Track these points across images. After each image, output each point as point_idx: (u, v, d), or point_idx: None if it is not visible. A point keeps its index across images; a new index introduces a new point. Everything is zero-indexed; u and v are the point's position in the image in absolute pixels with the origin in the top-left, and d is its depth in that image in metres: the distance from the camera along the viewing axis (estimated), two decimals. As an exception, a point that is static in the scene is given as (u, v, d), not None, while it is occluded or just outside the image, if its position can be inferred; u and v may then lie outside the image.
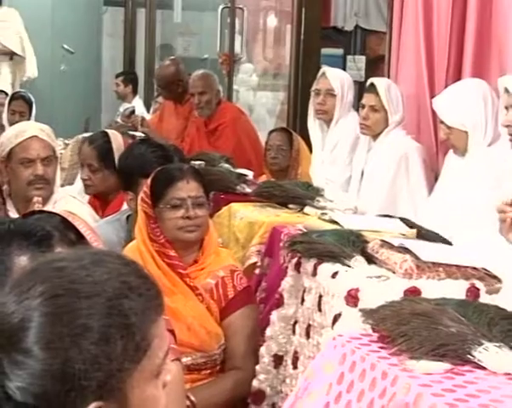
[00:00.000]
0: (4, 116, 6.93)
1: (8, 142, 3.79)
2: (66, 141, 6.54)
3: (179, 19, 9.98)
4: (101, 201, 4.43)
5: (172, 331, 2.75)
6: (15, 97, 7.28)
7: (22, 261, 1.82)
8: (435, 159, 4.40)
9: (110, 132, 4.68)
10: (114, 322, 1.32)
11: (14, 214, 3.58)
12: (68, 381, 1.28)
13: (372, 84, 4.52)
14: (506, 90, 3.34)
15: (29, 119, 6.88)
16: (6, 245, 1.88)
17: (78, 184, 4.88)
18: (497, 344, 2.10)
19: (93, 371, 1.29)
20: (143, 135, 5.74)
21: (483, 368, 2.05)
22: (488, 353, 2.07)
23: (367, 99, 4.46)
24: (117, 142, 4.45)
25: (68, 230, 2.24)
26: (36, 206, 3.46)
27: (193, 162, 4.32)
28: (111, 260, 1.39)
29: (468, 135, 3.73)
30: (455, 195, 3.74)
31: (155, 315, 1.37)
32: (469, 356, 2.08)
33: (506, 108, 3.32)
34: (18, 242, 1.90)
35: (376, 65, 7.14)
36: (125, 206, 3.92)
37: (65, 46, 10.09)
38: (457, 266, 2.85)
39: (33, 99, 7.27)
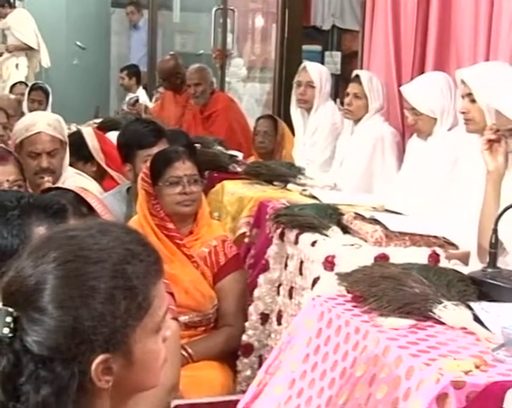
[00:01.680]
0: (24, 104, 6.89)
1: (19, 133, 3.77)
2: (79, 126, 6.52)
3: (177, 19, 9.98)
4: None
5: (171, 294, 2.75)
6: (34, 88, 7.23)
7: (40, 231, 1.81)
8: (402, 142, 4.40)
9: (84, 129, 4.73)
10: (118, 284, 1.32)
11: (29, 190, 3.57)
12: (78, 335, 1.28)
13: (356, 75, 4.54)
14: (462, 81, 3.34)
15: (46, 107, 6.86)
16: (26, 216, 1.88)
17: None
18: (455, 303, 2.11)
19: (101, 327, 1.29)
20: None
21: (442, 323, 2.06)
22: (447, 310, 2.08)
23: (352, 88, 4.48)
24: (91, 137, 4.48)
25: (81, 204, 2.25)
26: (47, 184, 3.45)
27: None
28: (116, 230, 1.39)
29: (435, 121, 3.73)
30: (418, 173, 3.74)
31: (155, 278, 1.37)
32: (430, 313, 2.08)
33: (462, 97, 3.32)
34: (36, 214, 1.89)
35: (350, 60, 7.13)
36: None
37: (78, 43, 10.13)
38: (420, 235, 2.86)
39: (50, 90, 7.24)
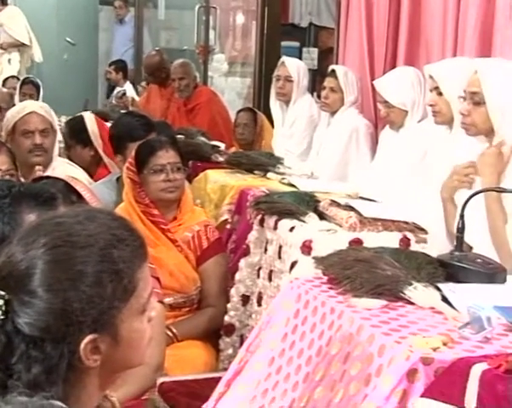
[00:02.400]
0: (16, 97, 6.84)
1: (11, 118, 3.82)
2: (70, 118, 6.50)
3: (162, 17, 9.94)
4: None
5: (157, 278, 2.75)
6: (25, 82, 7.19)
7: (31, 218, 1.80)
8: (375, 133, 4.41)
9: (86, 115, 4.66)
10: (105, 268, 1.31)
11: (21, 179, 3.56)
12: (67, 317, 1.28)
13: (332, 70, 4.54)
14: (430, 76, 3.35)
15: (37, 100, 6.79)
16: (17, 204, 1.87)
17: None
18: (424, 284, 2.12)
19: (88, 308, 1.29)
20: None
21: (412, 304, 2.06)
22: (417, 291, 2.08)
23: (328, 82, 4.49)
24: (91, 122, 4.47)
25: (70, 193, 2.23)
26: (38, 173, 3.45)
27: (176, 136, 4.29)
28: (103, 216, 1.38)
29: (406, 113, 3.74)
30: (391, 163, 3.75)
31: (140, 262, 1.37)
32: (401, 294, 2.09)
33: (430, 90, 3.33)
34: (27, 202, 1.88)
35: (326, 56, 7.11)
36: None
37: (68, 39, 10.10)
38: (392, 221, 2.87)
39: (41, 84, 7.20)
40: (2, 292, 1.28)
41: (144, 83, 7.67)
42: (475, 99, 2.75)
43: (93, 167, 4.27)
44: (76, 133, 4.39)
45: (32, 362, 1.26)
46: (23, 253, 1.31)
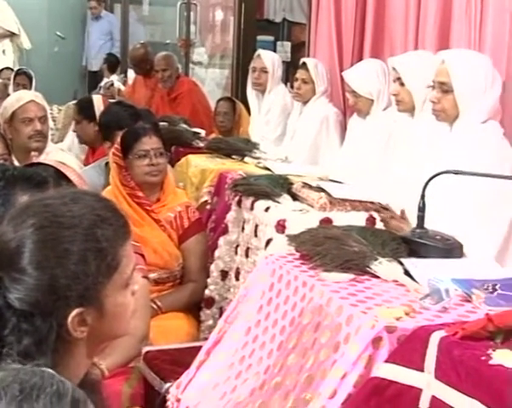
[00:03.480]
0: (10, 87, 6.77)
1: (10, 106, 3.80)
2: (60, 107, 6.49)
3: (146, 12, 9.89)
4: (91, 149, 4.44)
5: (142, 255, 2.74)
6: (19, 73, 7.10)
7: (24, 200, 1.78)
8: (344, 120, 4.41)
9: (95, 96, 4.82)
10: (89, 247, 1.30)
11: (15, 163, 3.55)
12: (55, 292, 1.27)
13: (304, 62, 4.52)
14: (393, 68, 3.36)
15: (30, 90, 6.75)
16: (11, 187, 1.86)
17: (67, 140, 4.84)
18: (388, 259, 2.13)
19: (74, 284, 1.28)
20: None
21: (377, 277, 2.08)
22: (381, 266, 2.09)
23: (300, 74, 4.48)
24: (99, 103, 4.56)
25: (60, 177, 2.21)
26: (34, 159, 3.43)
27: (159, 123, 4.26)
28: (87, 198, 1.37)
29: (372, 102, 3.74)
30: (358, 148, 3.76)
31: (122, 240, 1.36)
32: (367, 268, 2.10)
33: (394, 81, 3.34)
34: (20, 185, 1.87)
35: (299, 49, 7.09)
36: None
37: (58, 33, 10.02)
38: (359, 201, 2.87)
39: (33, 74, 7.13)
40: None
41: (123, 75, 7.70)
42: (444, 88, 2.77)
43: (98, 143, 4.25)
44: (84, 109, 4.47)
45: (23, 334, 1.25)
46: (13, 233, 1.29)
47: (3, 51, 8.90)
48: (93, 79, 9.63)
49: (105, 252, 1.31)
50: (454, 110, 2.76)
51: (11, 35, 8.97)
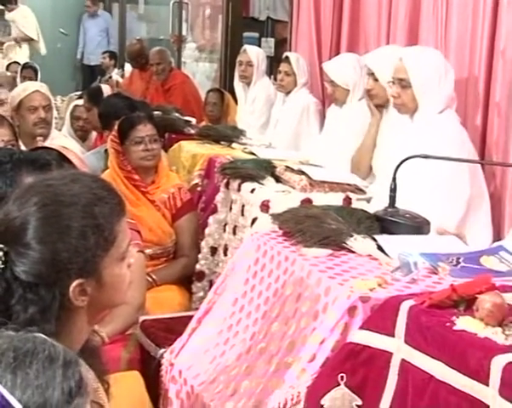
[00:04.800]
0: (18, 80, 6.71)
1: (17, 96, 3.79)
2: (64, 98, 6.43)
3: (142, 11, 9.82)
4: (99, 135, 4.44)
5: (138, 232, 2.73)
6: (25, 66, 7.05)
7: (29, 181, 1.77)
8: (323, 109, 4.40)
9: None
10: (88, 223, 1.30)
11: (22, 148, 3.54)
12: (57, 265, 1.27)
13: (286, 56, 4.50)
14: (365, 65, 3.36)
15: (35, 83, 6.71)
16: (17, 169, 1.85)
17: (64, 129, 4.79)
18: (363, 236, 2.13)
19: (75, 257, 1.28)
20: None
21: (353, 252, 2.07)
22: (357, 242, 2.09)
23: (283, 67, 4.45)
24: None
25: (63, 161, 2.19)
26: (39, 143, 3.42)
27: (154, 112, 4.23)
28: (85, 178, 1.37)
29: (348, 92, 3.73)
30: (335, 134, 3.75)
31: (118, 217, 1.35)
32: (344, 244, 2.09)
33: (368, 77, 3.33)
34: (26, 168, 1.86)
35: (281, 44, 7.04)
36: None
37: (61, 30, 9.95)
38: (337, 183, 2.87)
39: (38, 68, 7.07)
40: (1, 245, 1.26)
41: (120, 70, 7.66)
42: (403, 84, 2.79)
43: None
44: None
45: (29, 303, 1.25)
46: (18, 211, 1.29)
47: (20, 46, 8.95)
48: (91, 73, 9.63)
49: (102, 228, 1.31)
50: (413, 103, 2.79)
51: (30, 40, 9.02)
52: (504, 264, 1.94)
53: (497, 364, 1.39)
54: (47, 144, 3.39)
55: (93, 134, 4.69)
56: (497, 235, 2.80)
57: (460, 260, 1.94)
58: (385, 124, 3.28)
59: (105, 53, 8.67)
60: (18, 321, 1.24)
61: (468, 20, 3.17)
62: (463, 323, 1.54)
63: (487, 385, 1.39)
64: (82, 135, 4.60)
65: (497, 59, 3.00)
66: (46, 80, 6.22)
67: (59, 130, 4.61)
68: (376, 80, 3.24)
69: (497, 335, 1.49)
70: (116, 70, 8.18)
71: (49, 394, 0.87)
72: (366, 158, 3.34)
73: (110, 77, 7.36)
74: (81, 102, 4.84)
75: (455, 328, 1.53)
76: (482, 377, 1.40)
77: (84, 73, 9.93)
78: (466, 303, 1.61)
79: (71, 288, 1.28)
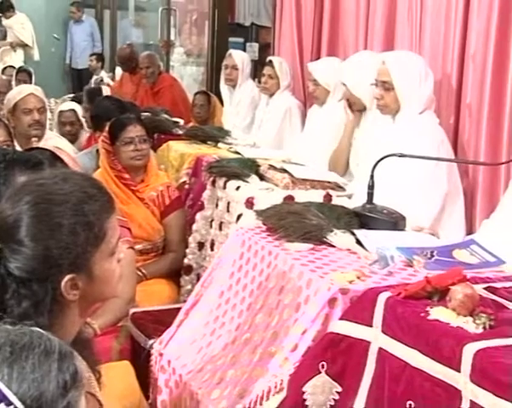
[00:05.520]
0: (13, 83, 6.65)
1: (12, 98, 3.76)
2: (57, 100, 6.39)
3: (132, 17, 9.78)
4: (91, 135, 4.40)
5: (129, 229, 2.72)
6: (20, 70, 7.01)
7: (22, 180, 1.75)
8: (304, 110, 4.40)
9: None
10: (78, 220, 1.29)
11: (17, 148, 3.52)
12: (49, 261, 1.26)
13: (270, 60, 4.50)
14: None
15: (30, 86, 6.66)
16: (11, 168, 1.83)
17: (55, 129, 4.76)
18: (342, 231, 2.13)
19: (66, 253, 1.27)
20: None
21: (333, 246, 2.07)
22: (336, 236, 2.09)
23: (267, 70, 4.45)
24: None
25: (55, 160, 2.17)
26: (34, 144, 3.40)
27: (143, 113, 4.22)
28: (76, 177, 1.36)
29: (329, 93, 3.74)
30: (316, 134, 3.75)
31: (107, 214, 1.34)
32: (324, 239, 2.09)
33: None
34: (19, 167, 1.84)
35: (265, 49, 7.03)
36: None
37: (55, 35, 9.90)
38: (317, 180, 2.88)
39: (33, 72, 7.02)
40: None
41: (111, 74, 7.67)
42: (386, 86, 2.80)
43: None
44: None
45: (22, 298, 1.25)
46: (11, 210, 1.28)
47: (15, 51, 8.92)
48: (78, 76, 9.62)
49: (92, 225, 1.30)
50: (395, 105, 2.81)
51: (25, 45, 8.99)
52: (475, 257, 1.95)
53: (469, 351, 1.39)
54: (41, 144, 3.37)
55: (84, 135, 4.68)
56: (470, 229, 2.82)
57: (434, 253, 1.94)
58: (367, 125, 3.29)
59: (92, 55, 8.66)
60: (12, 315, 1.23)
61: (440, 27, 3.19)
62: (437, 313, 1.54)
63: (459, 371, 1.39)
64: (70, 138, 4.57)
65: (467, 63, 3.02)
66: (40, 83, 6.20)
67: (52, 130, 4.58)
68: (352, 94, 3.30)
69: (468, 324, 1.50)
70: (103, 72, 8.14)
71: (45, 387, 0.87)
72: (342, 158, 3.37)
73: (102, 80, 7.32)
74: (65, 108, 4.83)
75: (429, 318, 1.54)
76: (454, 364, 1.41)
77: (72, 77, 9.92)
78: (439, 294, 1.61)
79: (62, 283, 1.27)
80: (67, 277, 1.27)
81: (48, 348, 0.90)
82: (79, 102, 5.12)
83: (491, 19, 2.87)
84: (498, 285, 1.74)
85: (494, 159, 2.86)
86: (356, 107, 3.34)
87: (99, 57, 8.53)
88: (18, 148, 3.55)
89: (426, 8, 3.28)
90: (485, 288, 1.69)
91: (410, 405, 1.49)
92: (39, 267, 1.25)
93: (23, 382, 0.86)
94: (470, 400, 1.36)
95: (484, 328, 1.48)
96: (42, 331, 0.94)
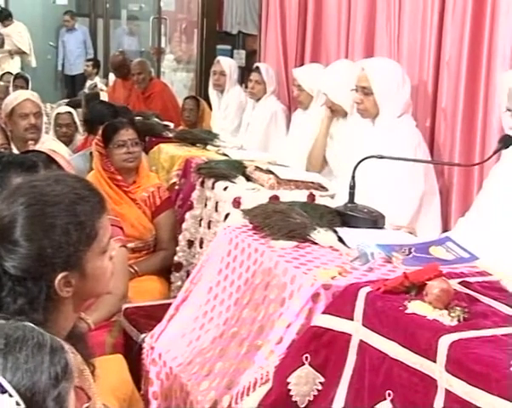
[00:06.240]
0: (10, 89, 6.60)
1: (9, 103, 3.75)
2: (53, 105, 6.35)
3: (124, 26, 9.76)
4: (85, 139, 4.38)
5: (121, 228, 2.71)
6: (17, 76, 6.94)
7: (17, 181, 1.74)
8: (289, 114, 4.40)
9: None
10: (71, 221, 1.28)
11: (15, 151, 3.51)
12: (43, 260, 1.25)
13: (257, 67, 4.50)
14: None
15: (27, 91, 6.62)
16: (7, 170, 1.83)
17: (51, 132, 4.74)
18: (325, 229, 2.13)
19: (59, 252, 1.26)
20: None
21: (316, 244, 2.07)
22: (319, 234, 2.09)
23: (253, 76, 4.46)
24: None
25: (50, 163, 2.16)
26: (31, 147, 3.38)
27: (135, 118, 4.20)
28: (68, 179, 1.35)
29: (312, 98, 3.75)
30: (300, 137, 3.76)
31: (99, 214, 1.34)
32: (308, 237, 2.09)
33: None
34: (14, 169, 1.84)
35: (252, 56, 7.04)
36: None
37: (51, 43, 9.86)
38: (301, 181, 2.88)
39: (29, 78, 6.97)
40: None
41: (104, 79, 7.64)
42: (365, 91, 2.82)
43: None
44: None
45: (18, 295, 1.24)
46: (6, 210, 1.27)
47: (13, 58, 8.90)
48: (72, 82, 9.60)
49: (84, 225, 1.29)
50: (375, 109, 2.82)
51: (22, 53, 8.98)
52: (451, 254, 1.96)
53: (444, 343, 1.40)
54: (37, 147, 3.35)
55: (78, 138, 4.66)
56: (445, 227, 2.84)
57: (412, 250, 1.95)
58: (349, 129, 3.30)
59: (88, 61, 8.60)
60: (8, 312, 1.22)
61: (417, 36, 3.21)
62: (414, 307, 1.55)
63: (435, 362, 1.40)
64: (65, 140, 4.55)
65: (442, 69, 3.04)
66: (36, 89, 6.16)
67: (48, 133, 4.56)
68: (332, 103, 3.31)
69: (443, 317, 1.50)
70: (98, 78, 8.11)
71: (37, 378, 0.87)
72: (318, 153, 3.39)
73: (96, 86, 7.29)
74: (63, 110, 4.81)
75: (407, 311, 1.54)
76: (430, 355, 1.41)
77: (66, 82, 9.89)
78: (417, 288, 1.62)
79: (56, 280, 1.26)
80: (61, 275, 1.26)
81: (41, 341, 0.90)
82: (73, 107, 5.11)
83: (464, 28, 2.89)
84: (472, 279, 1.75)
85: (468, 160, 2.87)
86: (338, 113, 3.36)
87: (96, 63, 8.49)
88: (15, 151, 3.54)
89: (403, 18, 3.29)
90: (459, 283, 1.70)
91: (389, 393, 1.49)
92: (34, 265, 1.24)
93: (17, 371, 0.86)
94: (445, 389, 1.37)
95: (458, 321, 1.49)
96: (34, 326, 0.94)
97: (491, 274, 1.80)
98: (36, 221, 1.26)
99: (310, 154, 3.44)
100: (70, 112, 4.76)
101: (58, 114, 4.72)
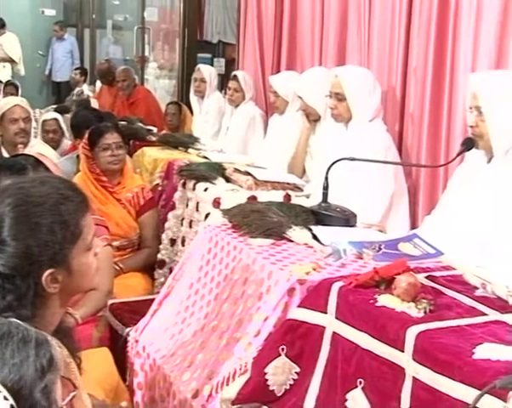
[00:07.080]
0: (1, 96, 6.52)
1: (0, 109, 3.66)
2: (42, 111, 6.29)
3: (110, 35, 9.70)
4: (72, 142, 4.34)
5: (107, 227, 2.69)
6: (8, 84, 6.88)
7: (4, 184, 1.72)
8: (266, 119, 4.40)
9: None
10: (55, 220, 1.27)
11: (5, 154, 3.49)
12: (30, 258, 1.24)
13: (235, 75, 4.49)
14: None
15: (16, 98, 6.54)
16: None
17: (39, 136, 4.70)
18: (300, 227, 2.13)
19: (45, 250, 1.25)
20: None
21: (292, 241, 2.07)
22: (295, 232, 2.09)
23: (232, 84, 4.44)
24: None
25: (39, 165, 2.14)
26: (20, 150, 3.36)
27: (120, 122, 4.17)
28: (53, 180, 1.34)
29: (288, 103, 3.75)
30: (276, 140, 3.76)
31: (83, 213, 1.33)
32: (284, 235, 2.09)
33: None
34: (4, 172, 1.82)
35: (231, 64, 7.02)
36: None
37: (40, 52, 9.78)
38: (278, 182, 2.88)
39: (19, 85, 6.90)
40: None
41: (92, 87, 7.62)
42: (339, 97, 2.83)
43: None
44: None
45: (6, 292, 1.23)
46: None
47: (4, 66, 8.79)
48: (57, 88, 9.57)
49: (68, 224, 1.28)
50: (347, 114, 2.84)
51: (13, 61, 8.89)
52: (418, 250, 1.97)
53: (411, 333, 1.41)
54: (26, 151, 3.32)
55: (65, 142, 4.62)
56: (413, 224, 2.86)
57: (381, 247, 1.96)
58: (322, 132, 3.31)
59: (76, 69, 8.53)
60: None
61: (386, 45, 3.23)
62: (384, 300, 1.56)
63: (403, 351, 1.41)
64: (53, 145, 4.50)
65: (410, 77, 3.06)
66: (26, 95, 6.09)
67: (36, 137, 4.51)
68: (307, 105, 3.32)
69: (411, 309, 1.51)
70: (85, 85, 8.05)
71: (24, 372, 0.86)
72: (298, 162, 3.40)
73: (82, 92, 7.23)
74: (49, 117, 4.76)
75: (377, 304, 1.55)
76: (399, 345, 1.42)
77: (52, 88, 9.84)
78: (386, 282, 1.62)
79: (43, 277, 1.25)
80: (47, 272, 1.25)
81: (26, 336, 0.89)
82: (61, 112, 5.06)
83: (429, 38, 2.91)
84: (437, 274, 1.76)
85: (434, 161, 2.90)
86: (312, 117, 3.36)
87: (83, 71, 8.42)
88: (5, 154, 3.50)
89: (373, 28, 3.31)
90: (426, 277, 1.71)
91: (360, 382, 1.50)
92: (21, 263, 1.23)
93: (4, 366, 0.85)
94: (412, 377, 1.38)
95: (425, 312, 1.50)
96: (19, 321, 0.93)
97: (455, 269, 1.82)
98: (22, 221, 1.25)
99: (291, 163, 3.44)
100: (56, 118, 4.71)
101: (44, 120, 4.67)
